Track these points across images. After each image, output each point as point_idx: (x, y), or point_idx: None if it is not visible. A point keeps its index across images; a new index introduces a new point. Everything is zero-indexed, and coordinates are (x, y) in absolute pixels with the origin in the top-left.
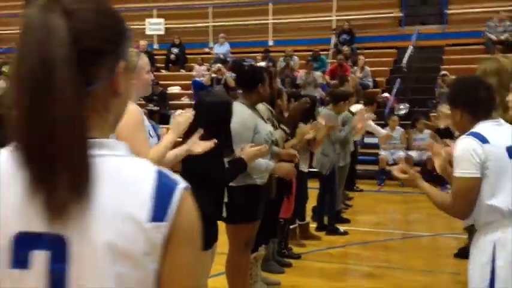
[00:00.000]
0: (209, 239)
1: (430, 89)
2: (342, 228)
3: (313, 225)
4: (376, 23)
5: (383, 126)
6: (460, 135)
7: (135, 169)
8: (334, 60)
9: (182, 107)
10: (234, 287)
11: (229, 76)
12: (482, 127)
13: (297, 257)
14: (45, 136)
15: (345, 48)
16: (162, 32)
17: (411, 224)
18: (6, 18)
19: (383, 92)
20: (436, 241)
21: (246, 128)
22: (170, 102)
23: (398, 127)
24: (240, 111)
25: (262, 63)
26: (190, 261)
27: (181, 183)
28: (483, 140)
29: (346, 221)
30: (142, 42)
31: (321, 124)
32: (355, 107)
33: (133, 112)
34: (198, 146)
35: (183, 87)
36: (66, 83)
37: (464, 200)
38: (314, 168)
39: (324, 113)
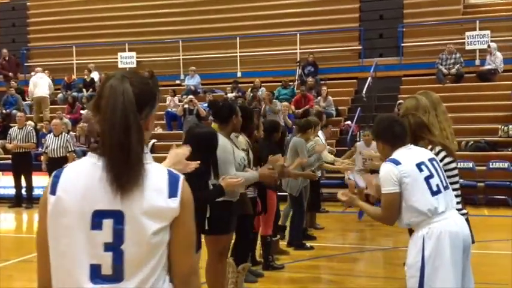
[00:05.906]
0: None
1: None
2: (308, 244)
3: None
4: (338, 56)
5: (346, 151)
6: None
7: (158, 169)
8: (298, 91)
9: (156, 137)
10: None
11: (201, 106)
12: (397, 153)
13: (282, 267)
14: (124, 152)
15: (310, 79)
16: (134, 65)
17: (374, 239)
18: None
19: (345, 120)
20: (395, 253)
21: (228, 153)
22: None
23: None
24: (222, 140)
25: (232, 94)
26: (190, 218)
27: (181, 176)
28: (397, 162)
29: (312, 238)
30: None
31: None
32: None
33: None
34: (187, 166)
35: (156, 117)
36: (136, 120)
37: (390, 210)
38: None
39: (294, 140)
